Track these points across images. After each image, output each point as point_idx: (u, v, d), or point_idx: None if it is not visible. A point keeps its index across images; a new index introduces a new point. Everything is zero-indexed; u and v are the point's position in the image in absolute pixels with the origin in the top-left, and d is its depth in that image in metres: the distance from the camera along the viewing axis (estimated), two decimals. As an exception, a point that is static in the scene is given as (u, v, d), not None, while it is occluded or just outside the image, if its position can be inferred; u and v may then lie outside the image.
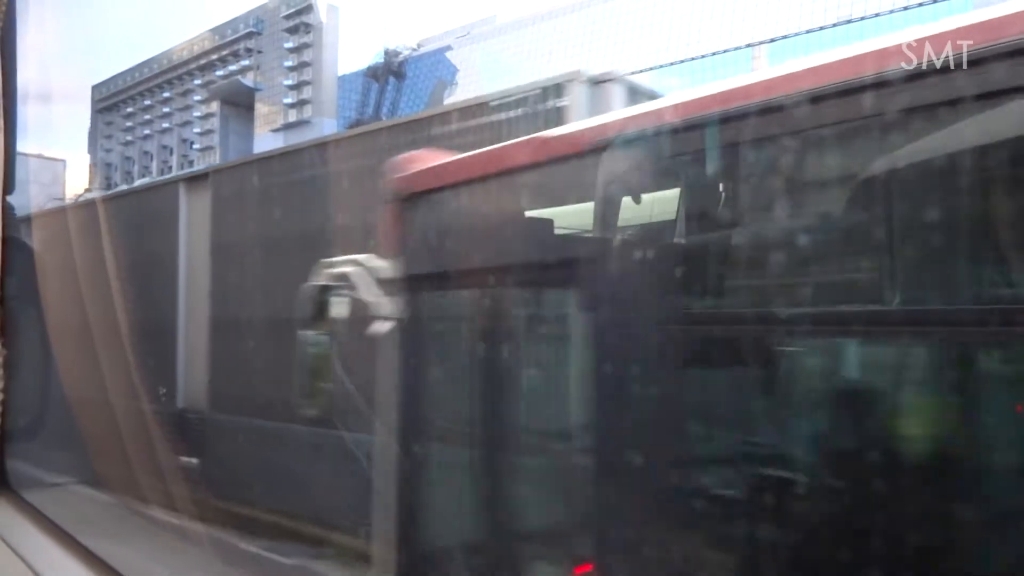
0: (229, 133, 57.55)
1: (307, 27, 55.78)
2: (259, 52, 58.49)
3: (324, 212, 6.67)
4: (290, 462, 6.43)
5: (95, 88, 64.98)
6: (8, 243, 2.20)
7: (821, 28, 39.67)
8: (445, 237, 2.90)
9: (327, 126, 49.61)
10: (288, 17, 56.58)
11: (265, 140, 50.61)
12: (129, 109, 65.47)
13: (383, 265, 2.84)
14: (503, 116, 5.21)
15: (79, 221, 9.28)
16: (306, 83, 55.44)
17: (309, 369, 2.83)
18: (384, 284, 2.80)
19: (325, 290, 2.83)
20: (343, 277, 2.77)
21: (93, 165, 63.71)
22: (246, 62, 58.80)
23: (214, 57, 60.84)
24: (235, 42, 59.54)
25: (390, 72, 53.53)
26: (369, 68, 53.65)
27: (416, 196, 2.89)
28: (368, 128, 6.90)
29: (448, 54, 56.02)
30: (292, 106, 55.55)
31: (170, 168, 56.25)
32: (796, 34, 41.06)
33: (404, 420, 2.87)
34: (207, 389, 7.77)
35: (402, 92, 49.04)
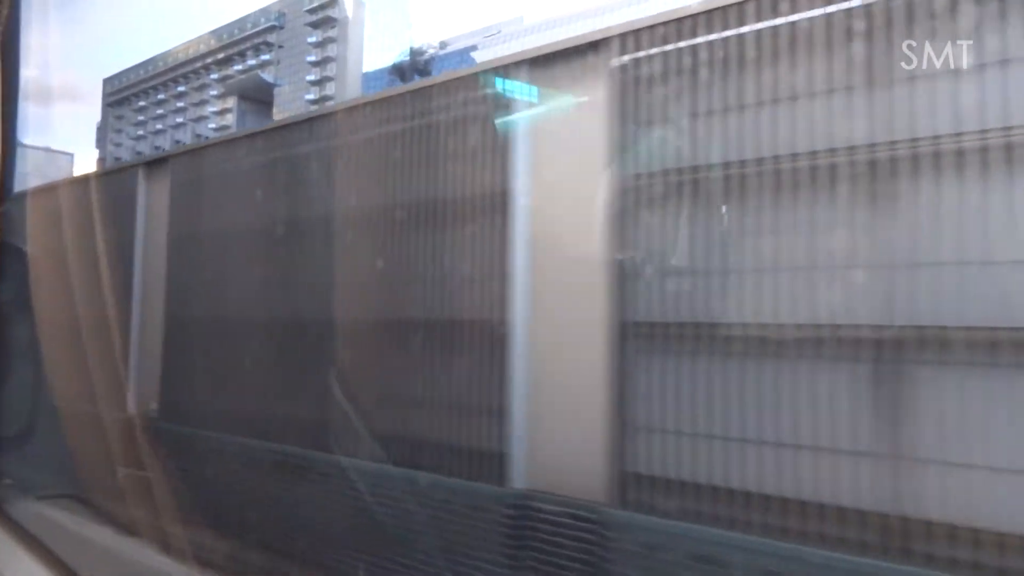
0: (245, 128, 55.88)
1: (332, 21, 54.19)
2: (279, 47, 56.85)
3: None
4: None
5: (106, 81, 63.38)
6: (4, 248, 1.79)
7: None
8: None
9: (351, 123, 48.20)
10: (312, 11, 54.98)
11: (285, 137, 48.92)
12: (141, 103, 63.70)
13: None
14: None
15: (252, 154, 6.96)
16: (329, 79, 53.76)
17: None
18: None
19: None
20: None
21: (102, 159, 61.94)
22: (266, 56, 57.16)
23: (232, 51, 59.18)
24: (255, 36, 57.91)
25: (415, 70, 52.58)
26: (394, 66, 52.61)
27: None
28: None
29: (474, 54, 54.69)
30: (314, 103, 53.83)
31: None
32: None
33: None
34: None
35: (428, 91, 47.60)
